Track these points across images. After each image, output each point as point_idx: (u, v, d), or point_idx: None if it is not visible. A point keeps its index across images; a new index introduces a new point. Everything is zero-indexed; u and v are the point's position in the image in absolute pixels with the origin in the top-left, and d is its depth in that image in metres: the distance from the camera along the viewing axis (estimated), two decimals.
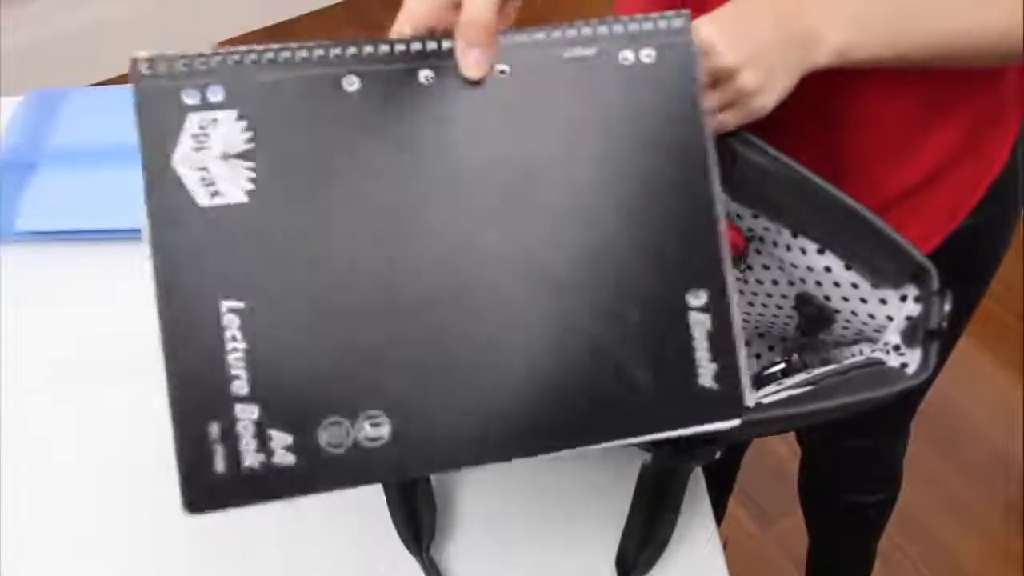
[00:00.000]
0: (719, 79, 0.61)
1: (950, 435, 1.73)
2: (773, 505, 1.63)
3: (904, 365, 0.59)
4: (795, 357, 0.75)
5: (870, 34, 0.63)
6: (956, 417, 1.75)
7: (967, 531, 1.63)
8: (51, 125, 1.04)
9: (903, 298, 0.62)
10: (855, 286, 0.64)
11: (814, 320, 0.70)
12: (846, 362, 0.64)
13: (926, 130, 0.76)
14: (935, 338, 0.57)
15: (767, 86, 0.61)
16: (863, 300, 0.65)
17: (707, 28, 0.61)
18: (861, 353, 0.66)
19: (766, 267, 0.71)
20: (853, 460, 1.20)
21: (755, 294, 0.75)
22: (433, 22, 0.57)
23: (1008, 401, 1.78)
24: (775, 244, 0.68)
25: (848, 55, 0.63)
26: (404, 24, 0.58)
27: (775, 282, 0.72)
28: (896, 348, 0.60)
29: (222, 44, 2.40)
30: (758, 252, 0.70)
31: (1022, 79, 0.79)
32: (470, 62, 0.53)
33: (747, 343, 0.84)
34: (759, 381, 0.75)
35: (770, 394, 0.62)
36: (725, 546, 1.64)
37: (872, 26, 0.63)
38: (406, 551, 0.73)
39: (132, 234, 0.95)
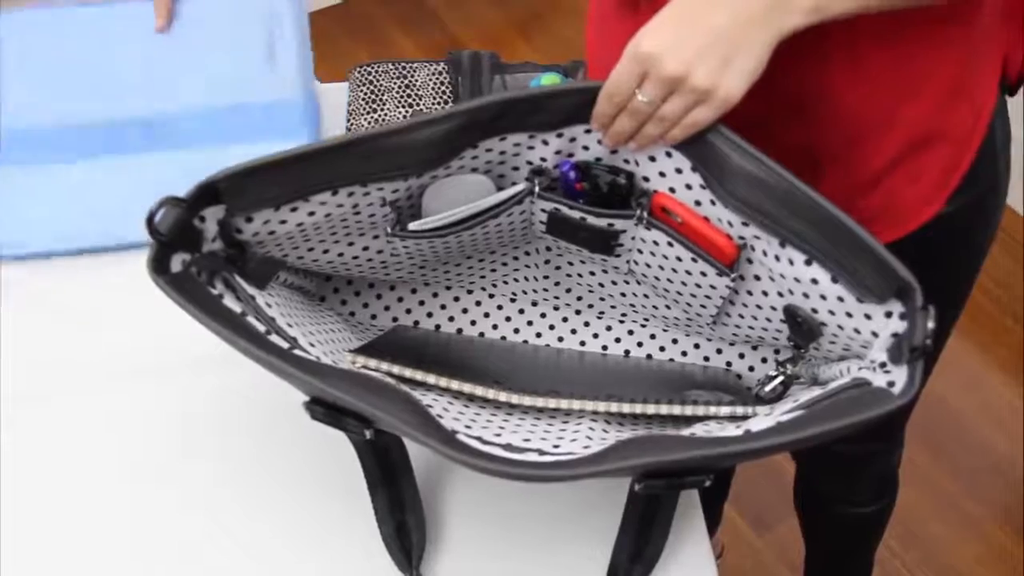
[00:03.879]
0: (674, 87, 0.62)
1: (947, 439, 1.73)
2: (769, 510, 1.63)
3: (891, 384, 0.59)
4: (790, 368, 0.75)
5: None
6: (953, 421, 1.75)
7: (964, 536, 1.63)
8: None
9: (888, 314, 0.62)
10: (841, 299, 0.64)
11: (802, 332, 0.70)
12: (833, 385, 0.63)
13: (894, 108, 0.75)
14: (920, 355, 0.57)
15: (726, 76, 0.61)
16: (848, 314, 0.64)
17: (647, 41, 0.61)
18: (848, 371, 0.65)
19: (757, 277, 0.71)
20: (848, 470, 1.20)
21: (745, 305, 0.74)
22: None
23: (1006, 405, 1.77)
24: (765, 254, 0.68)
25: (823, 11, 0.61)
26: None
27: (765, 293, 0.71)
28: (883, 366, 0.60)
29: None
30: (749, 262, 0.70)
31: (988, 46, 0.78)
32: (158, 18, 0.90)
33: (741, 355, 0.83)
34: (760, 399, 0.75)
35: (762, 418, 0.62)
36: (721, 553, 1.65)
37: None
38: (396, 569, 0.73)
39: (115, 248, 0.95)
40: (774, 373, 0.75)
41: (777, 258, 0.67)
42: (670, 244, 0.72)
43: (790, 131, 0.73)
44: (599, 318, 0.85)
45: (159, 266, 0.63)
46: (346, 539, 0.75)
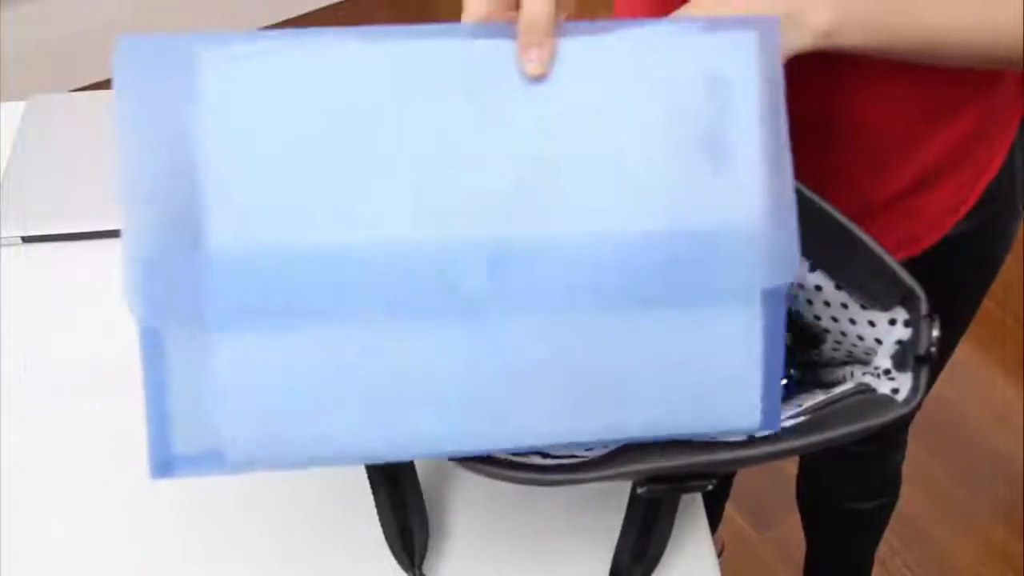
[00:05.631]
0: None
1: (948, 438, 1.73)
2: (770, 509, 1.63)
3: (895, 391, 0.58)
4: (794, 372, 0.75)
5: (859, 16, 0.61)
6: (954, 420, 1.75)
7: (965, 535, 1.63)
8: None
9: (892, 321, 0.61)
10: (844, 306, 0.64)
11: (804, 339, 0.70)
12: (836, 390, 0.63)
13: (915, 140, 0.75)
14: (924, 363, 0.57)
15: None
16: (852, 321, 0.64)
17: None
18: (852, 376, 0.65)
19: None
20: (851, 467, 1.20)
21: None
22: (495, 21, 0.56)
23: (1007, 404, 1.77)
24: None
25: (834, 38, 0.61)
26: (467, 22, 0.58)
27: None
28: (887, 373, 0.60)
29: None
30: None
31: (1016, 89, 0.79)
32: (531, 61, 0.53)
33: None
34: None
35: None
36: (722, 551, 1.65)
37: (862, 9, 0.61)
38: (399, 568, 0.73)
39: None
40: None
41: None
42: None
43: (801, 150, 0.73)
44: None
45: None
46: (349, 539, 0.75)
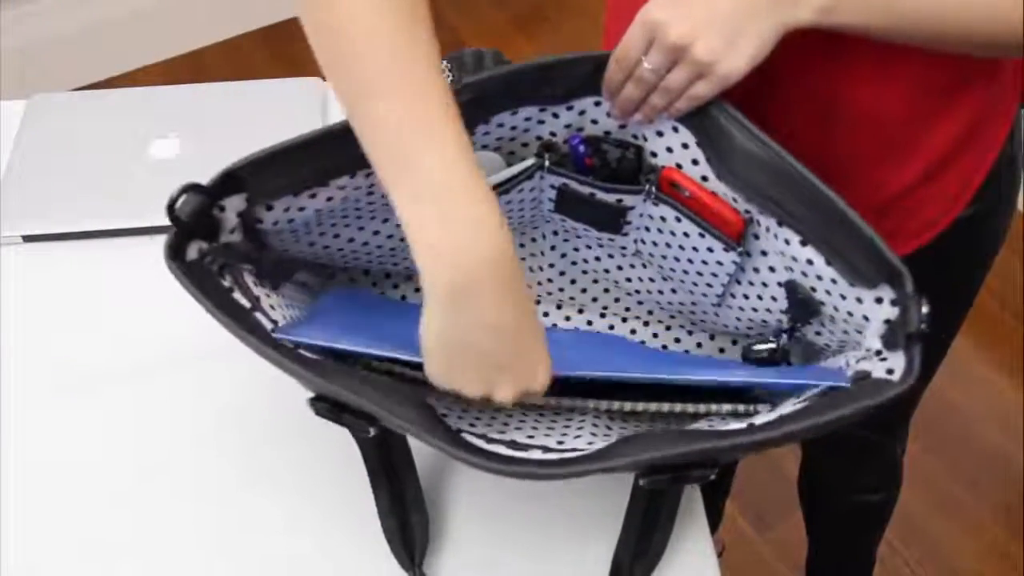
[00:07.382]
0: (677, 56, 0.63)
1: (948, 437, 1.73)
2: (771, 509, 1.63)
3: (890, 371, 0.59)
4: (784, 339, 0.75)
5: None
6: (954, 419, 1.75)
7: (965, 534, 1.63)
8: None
9: (878, 300, 0.62)
10: (834, 282, 0.65)
11: (802, 306, 0.70)
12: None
13: (924, 128, 0.76)
14: (917, 341, 0.57)
15: (729, 52, 0.63)
16: (843, 296, 0.65)
17: (656, 9, 0.64)
18: (849, 364, 0.65)
19: (764, 253, 0.71)
20: (852, 458, 1.20)
21: (751, 283, 0.74)
22: None
23: (1007, 403, 1.77)
24: (767, 229, 0.68)
25: (833, 14, 0.63)
26: None
27: (772, 268, 0.71)
28: (878, 354, 0.60)
29: (221, 45, 2.40)
30: (756, 237, 0.70)
31: (1013, 76, 0.79)
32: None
33: (734, 342, 0.83)
34: (747, 359, 0.76)
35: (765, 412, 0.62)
36: (723, 551, 1.65)
37: None
38: (399, 567, 0.73)
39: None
40: (772, 341, 0.76)
41: (776, 236, 0.67)
42: (678, 219, 0.72)
43: (810, 141, 0.73)
44: (602, 316, 0.86)
45: (175, 252, 0.63)
46: (349, 536, 0.75)
